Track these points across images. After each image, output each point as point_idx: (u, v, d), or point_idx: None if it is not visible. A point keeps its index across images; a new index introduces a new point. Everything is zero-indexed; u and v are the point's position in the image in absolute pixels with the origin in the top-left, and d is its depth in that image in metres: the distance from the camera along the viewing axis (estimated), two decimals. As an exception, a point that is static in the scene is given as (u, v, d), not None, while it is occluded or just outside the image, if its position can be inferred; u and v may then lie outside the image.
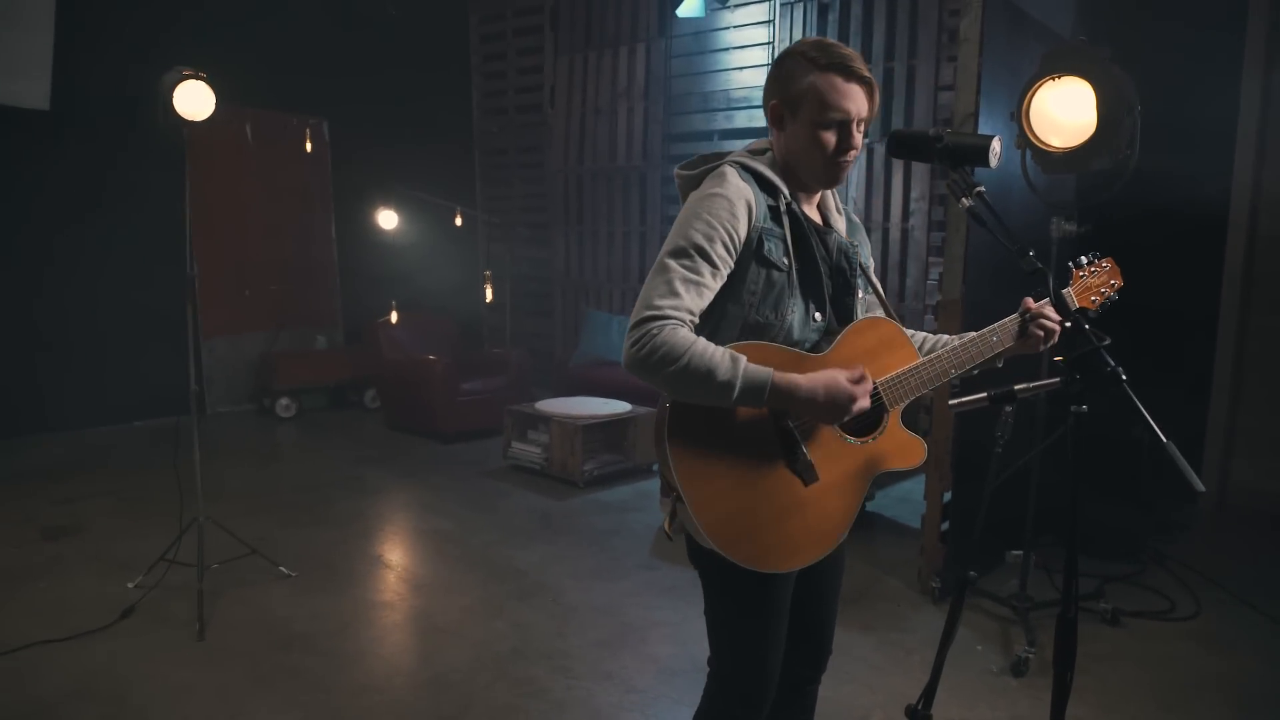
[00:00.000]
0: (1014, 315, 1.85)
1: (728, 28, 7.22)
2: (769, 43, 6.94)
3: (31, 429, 6.71)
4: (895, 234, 6.34)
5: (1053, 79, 3.27)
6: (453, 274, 8.62)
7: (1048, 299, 1.82)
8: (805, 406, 1.62)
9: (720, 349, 1.60)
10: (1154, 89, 3.67)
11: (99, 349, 6.82)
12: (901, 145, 1.73)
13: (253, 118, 7.74)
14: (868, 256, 1.98)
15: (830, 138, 1.72)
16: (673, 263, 1.65)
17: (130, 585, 3.88)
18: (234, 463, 6.13)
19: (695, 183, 1.80)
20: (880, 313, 1.93)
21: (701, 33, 7.40)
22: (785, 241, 1.75)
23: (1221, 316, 5.04)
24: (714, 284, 1.67)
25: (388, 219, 7.67)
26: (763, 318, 1.73)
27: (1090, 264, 1.98)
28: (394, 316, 7.09)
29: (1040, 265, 1.53)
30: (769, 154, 1.85)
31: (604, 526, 4.96)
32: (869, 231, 6.40)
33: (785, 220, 1.76)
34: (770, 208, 1.75)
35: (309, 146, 7.30)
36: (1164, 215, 4.18)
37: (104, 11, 6.43)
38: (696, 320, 1.66)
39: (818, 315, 1.78)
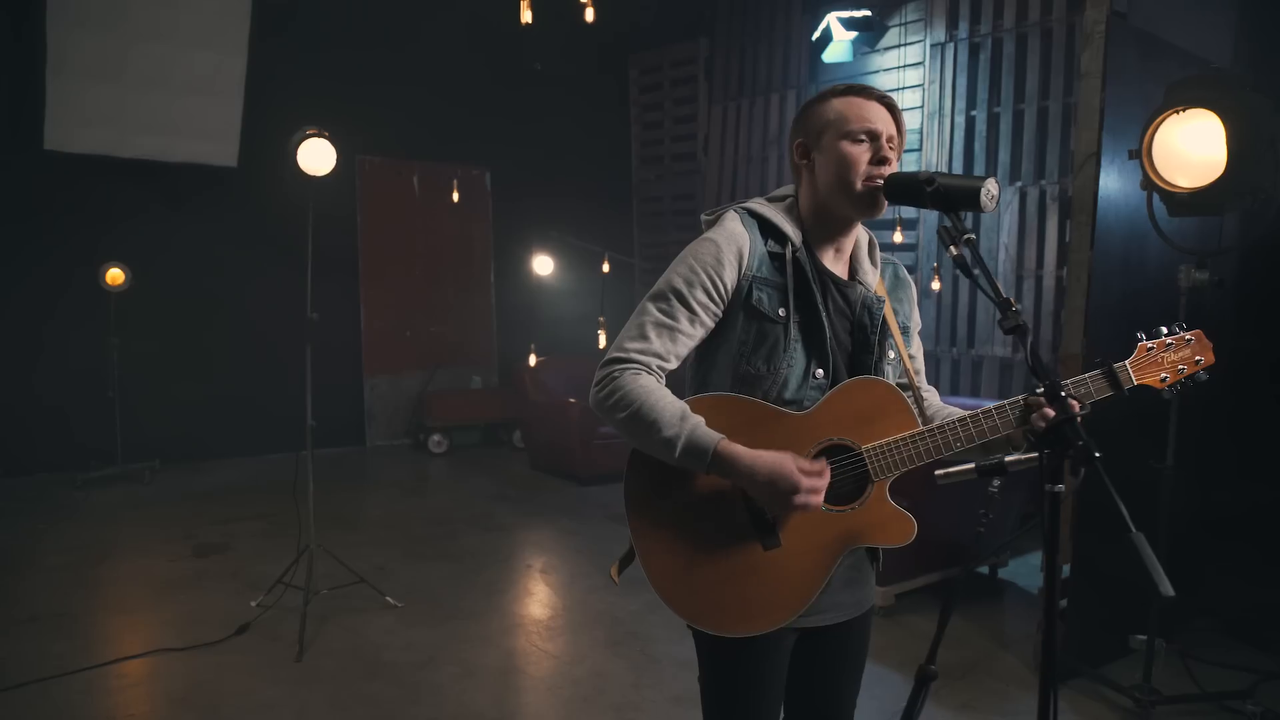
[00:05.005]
0: (1018, 397, 1.62)
1: (877, 71, 7.04)
2: (920, 85, 6.71)
3: (214, 454, 7.41)
4: (1049, 281, 5.91)
5: (1176, 112, 2.96)
6: (607, 319, 8.79)
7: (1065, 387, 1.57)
8: (745, 482, 1.53)
9: (676, 403, 1.55)
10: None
11: (277, 382, 7.39)
12: (895, 190, 1.60)
13: (420, 169, 8.30)
14: (908, 316, 1.84)
15: (861, 151, 1.62)
16: (650, 306, 1.63)
17: (253, 604, 4.16)
18: (377, 493, 6.49)
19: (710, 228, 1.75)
20: (890, 375, 1.79)
21: (850, 77, 7.24)
22: (785, 292, 1.65)
23: None
24: (692, 330, 1.63)
25: (543, 265, 7.94)
26: (754, 369, 1.65)
27: (1171, 334, 1.68)
28: (532, 360, 7.30)
29: (1022, 322, 1.37)
30: (789, 200, 1.77)
31: (713, 578, 4.83)
32: (1020, 280, 6.02)
33: (789, 269, 1.67)
34: (772, 254, 1.67)
35: (455, 197, 7.71)
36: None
37: (287, 80, 7.09)
38: (669, 365, 1.62)
39: (819, 372, 1.66)
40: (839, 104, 1.66)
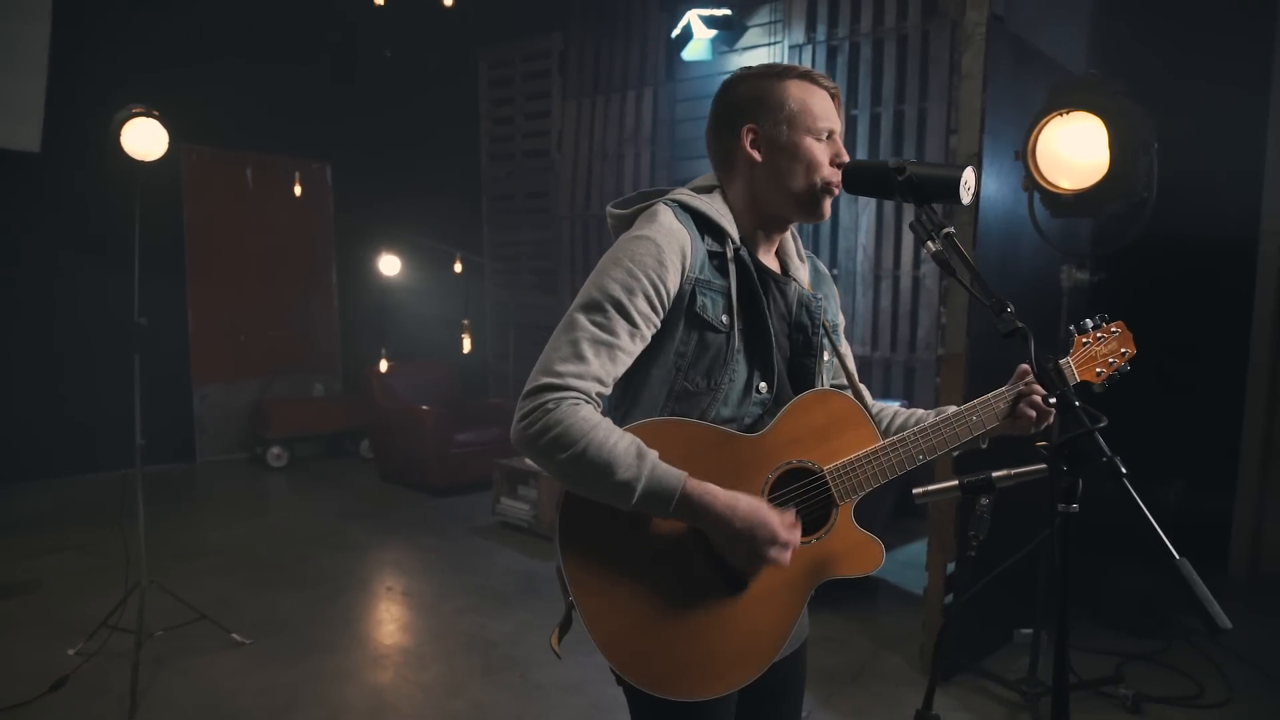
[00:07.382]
0: (1003, 389, 1.56)
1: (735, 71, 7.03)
2: (777, 86, 6.73)
3: (21, 475, 6.51)
4: (906, 281, 6.05)
5: (1060, 114, 3.00)
6: (457, 321, 8.42)
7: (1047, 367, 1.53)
8: (717, 529, 1.33)
9: (627, 438, 1.32)
10: (1175, 125, 3.39)
11: (92, 393, 6.62)
12: (858, 180, 1.46)
13: (254, 161, 7.66)
14: (836, 313, 1.70)
15: (823, 150, 1.48)
16: (583, 319, 1.37)
17: (71, 652, 3.62)
18: (213, 515, 5.90)
19: (628, 223, 1.53)
20: (840, 382, 1.67)
21: (709, 76, 7.21)
22: (728, 296, 1.47)
23: (1252, 363, 4.66)
24: (632, 346, 1.40)
25: (389, 265, 7.48)
26: (693, 384, 1.45)
27: (1097, 328, 1.68)
28: (383, 365, 6.86)
29: (1021, 325, 1.25)
30: (718, 190, 1.58)
31: (589, 591, 4.63)
32: (878, 280, 6.14)
33: (732, 269, 1.48)
34: (713, 254, 1.48)
35: (298, 190, 7.17)
36: (1188, 260, 3.88)
37: (98, 54, 6.36)
38: (607, 390, 1.38)
39: (763, 386, 1.49)
40: (798, 91, 1.49)
